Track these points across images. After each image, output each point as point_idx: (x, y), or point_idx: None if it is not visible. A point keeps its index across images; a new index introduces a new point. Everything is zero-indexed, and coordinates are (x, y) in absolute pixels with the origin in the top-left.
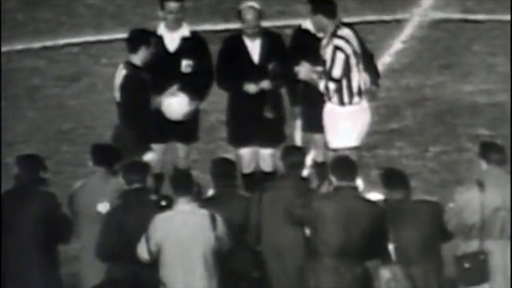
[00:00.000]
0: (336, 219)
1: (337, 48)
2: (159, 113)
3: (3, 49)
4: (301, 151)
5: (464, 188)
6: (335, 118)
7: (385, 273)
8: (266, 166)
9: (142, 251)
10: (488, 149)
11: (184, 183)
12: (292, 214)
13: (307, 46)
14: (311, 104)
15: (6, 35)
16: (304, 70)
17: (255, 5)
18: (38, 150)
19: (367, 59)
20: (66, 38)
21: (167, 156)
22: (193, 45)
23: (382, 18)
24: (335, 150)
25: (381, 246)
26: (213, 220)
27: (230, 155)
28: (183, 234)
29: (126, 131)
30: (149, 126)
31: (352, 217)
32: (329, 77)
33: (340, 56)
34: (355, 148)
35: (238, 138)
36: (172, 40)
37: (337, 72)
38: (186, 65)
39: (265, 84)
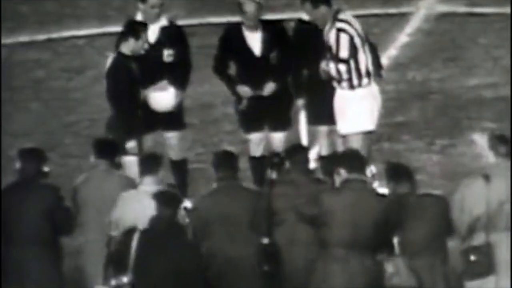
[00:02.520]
0: (345, 212)
1: (340, 30)
2: (145, 103)
3: (8, 41)
4: (305, 149)
5: (469, 180)
6: (345, 103)
7: (388, 267)
8: (278, 148)
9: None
10: (497, 142)
11: (150, 163)
12: (302, 213)
13: (309, 38)
14: (315, 97)
15: (10, 27)
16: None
17: None
18: (42, 143)
19: (371, 50)
20: (71, 30)
21: (160, 147)
22: (172, 34)
23: (387, 11)
24: (346, 136)
25: (388, 240)
26: None
27: (233, 148)
28: (137, 215)
29: (114, 120)
30: (135, 114)
31: (361, 210)
32: (338, 60)
33: (344, 37)
34: (368, 133)
35: (248, 124)
36: (152, 31)
37: (344, 52)
38: (167, 54)
39: (269, 88)
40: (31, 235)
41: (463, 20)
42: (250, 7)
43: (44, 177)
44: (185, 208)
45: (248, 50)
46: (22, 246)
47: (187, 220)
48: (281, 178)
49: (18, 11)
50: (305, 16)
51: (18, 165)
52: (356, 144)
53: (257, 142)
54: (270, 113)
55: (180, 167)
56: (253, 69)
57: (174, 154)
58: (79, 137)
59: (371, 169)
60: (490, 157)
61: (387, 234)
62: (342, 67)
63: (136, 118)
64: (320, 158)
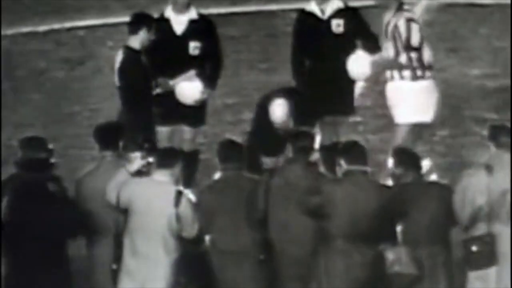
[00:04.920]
0: (346, 204)
1: (410, 19)
2: (168, 95)
3: (9, 31)
4: (310, 136)
5: (472, 170)
6: (406, 93)
7: (389, 255)
8: None
9: (110, 198)
10: (497, 132)
11: (168, 157)
12: (304, 205)
13: (311, 28)
14: (319, 86)
15: (12, 17)
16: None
17: None
18: (43, 133)
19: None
20: (72, 21)
21: (174, 139)
22: (200, 27)
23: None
24: (400, 125)
25: (391, 230)
26: (178, 197)
27: (236, 138)
28: (146, 202)
29: (127, 115)
30: (149, 109)
31: (362, 201)
32: (409, 48)
33: (415, 27)
34: (424, 125)
35: (265, 149)
36: (179, 23)
37: (415, 40)
38: (193, 47)
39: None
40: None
41: (464, 11)
42: None
43: (47, 167)
44: (189, 200)
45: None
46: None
47: (190, 211)
48: (281, 168)
49: (20, 2)
50: (307, 7)
51: (19, 154)
52: (401, 133)
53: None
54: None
55: (191, 158)
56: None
57: (187, 146)
58: (80, 127)
59: (426, 163)
60: (491, 148)
61: (389, 224)
62: (414, 55)
63: (149, 114)
64: (323, 148)
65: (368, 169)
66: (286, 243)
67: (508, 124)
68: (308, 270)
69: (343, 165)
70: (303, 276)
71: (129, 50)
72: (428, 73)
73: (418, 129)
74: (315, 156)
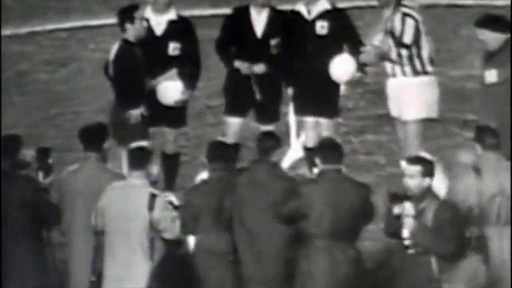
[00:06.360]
0: (324, 203)
1: (406, 14)
2: (150, 97)
3: None
4: (275, 137)
5: (460, 173)
6: (407, 89)
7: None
8: None
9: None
10: (483, 134)
11: (138, 158)
12: (280, 214)
13: (299, 28)
14: (304, 87)
15: None
16: (367, 56)
17: None
18: (26, 135)
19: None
20: (54, 23)
21: (156, 140)
22: (180, 28)
23: (370, 3)
24: (407, 122)
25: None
26: (152, 200)
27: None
28: (122, 208)
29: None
30: (141, 102)
31: (340, 198)
32: (400, 44)
33: (410, 22)
34: (432, 120)
35: (230, 107)
36: (158, 24)
37: (408, 37)
38: (173, 48)
39: (259, 68)
40: (13, 228)
41: (444, 12)
42: None
43: (22, 167)
44: (171, 203)
45: (251, 30)
46: (5, 239)
47: (166, 212)
48: (247, 168)
49: (2, 4)
50: (296, 7)
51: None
52: (415, 131)
53: (234, 128)
54: (255, 103)
55: (173, 160)
56: (250, 49)
57: (168, 148)
58: (62, 130)
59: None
60: (477, 150)
61: (367, 221)
62: (404, 52)
63: (141, 106)
64: (305, 150)
65: (342, 167)
66: (252, 243)
67: (494, 125)
68: (278, 271)
69: (318, 164)
70: (272, 277)
71: (124, 42)
72: (429, 68)
73: (426, 125)
74: (299, 156)
